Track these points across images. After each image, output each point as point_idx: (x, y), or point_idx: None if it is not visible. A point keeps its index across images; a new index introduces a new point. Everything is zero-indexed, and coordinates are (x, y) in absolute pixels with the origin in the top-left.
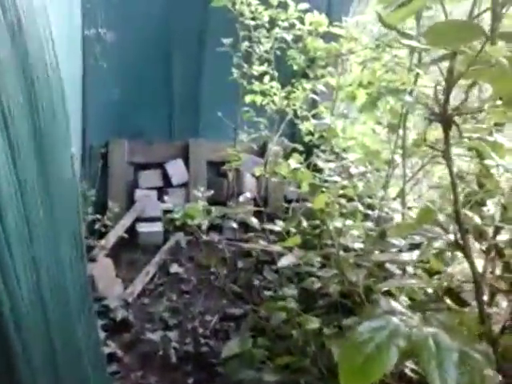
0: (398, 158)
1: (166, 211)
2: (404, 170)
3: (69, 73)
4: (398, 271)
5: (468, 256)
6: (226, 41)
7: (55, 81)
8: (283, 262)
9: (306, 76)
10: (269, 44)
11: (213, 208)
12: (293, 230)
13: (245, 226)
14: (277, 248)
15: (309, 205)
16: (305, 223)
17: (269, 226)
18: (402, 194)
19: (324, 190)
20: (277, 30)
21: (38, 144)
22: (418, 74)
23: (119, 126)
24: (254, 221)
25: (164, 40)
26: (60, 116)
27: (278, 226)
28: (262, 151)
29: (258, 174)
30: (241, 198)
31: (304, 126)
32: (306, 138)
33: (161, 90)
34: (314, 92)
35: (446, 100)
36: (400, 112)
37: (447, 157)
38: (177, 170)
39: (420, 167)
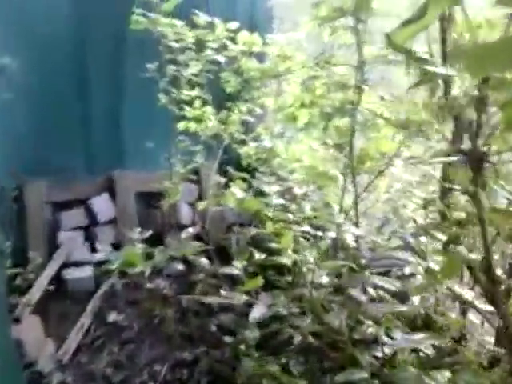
0: (341, 176)
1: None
2: (356, 188)
3: None
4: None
5: (499, 309)
6: (151, 66)
7: None
8: (255, 314)
9: (240, 98)
10: (197, 67)
11: (155, 250)
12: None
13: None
14: (239, 297)
15: (254, 231)
16: (257, 255)
17: (226, 270)
18: (355, 213)
19: (272, 217)
20: (208, 51)
21: None
22: (361, 91)
23: (33, 164)
24: (204, 261)
25: (77, 66)
26: None
27: (235, 268)
28: (196, 179)
29: (201, 207)
30: (183, 234)
31: (243, 150)
32: (245, 162)
33: (78, 120)
34: (250, 114)
35: (477, 135)
36: (346, 130)
37: (477, 199)
38: (102, 205)
39: (369, 182)
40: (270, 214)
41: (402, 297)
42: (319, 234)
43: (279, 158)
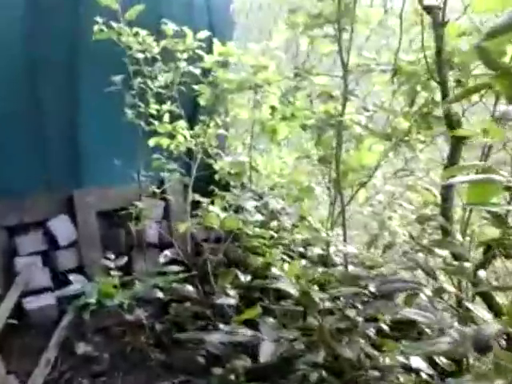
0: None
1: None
2: (342, 202)
3: None
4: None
5: None
6: (117, 78)
7: None
8: (265, 354)
9: (215, 111)
10: (167, 79)
11: (133, 278)
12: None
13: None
14: (244, 332)
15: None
16: (242, 277)
17: (222, 301)
18: (343, 229)
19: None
20: (182, 63)
21: None
22: (345, 102)
23: None
24: (190, 289)
25: (29, 82)
26: None
27: (231, 298)
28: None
29: (182, 229)
30: (161, 258)
31: (219, 165)
32: (218, 176)
33: (31, 135)
34: (224, 128)
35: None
36: (330, 143)
37: None
38: (62, 227)
39: (352, 195)
40: (249, 232)
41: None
42: (301, 250)
43: (256, 172)
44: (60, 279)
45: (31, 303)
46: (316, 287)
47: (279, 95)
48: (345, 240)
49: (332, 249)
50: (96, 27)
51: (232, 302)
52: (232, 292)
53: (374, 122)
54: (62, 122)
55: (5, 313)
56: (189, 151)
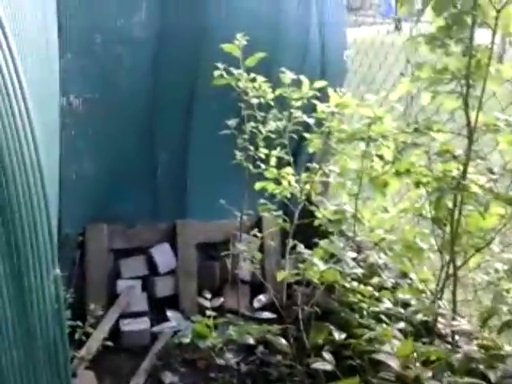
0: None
1: None
2: (455, 268)
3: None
4: None
5: None
6: (231, 122)
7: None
8: None
9: (324, 159)
10: (280, 124)
11: (228, 321)
12: None
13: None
14: None
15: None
16: (336, 334)
17: (318, 365)
18: (453, 298)
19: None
20: (294, 111)
21: (13, 262)
22: (467, 163)
23: (96, 209)
24: (283, 343)
25: (147, 113)
26: (42, 224)
27: (328, 365)
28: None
29: (280, 278)
30: (256, 304)
31: (321, 213)
32: (317, 222)
33: (142, 167)
34: (329, 176)
35: None
36: (448, 207)
37: None
38: (163, 255)
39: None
40: (346, 285)
41: None
42: (401, 311)
43: (359, 224)
44: (156, 306)
45: (127, 326)
46: (418, 364)
47: (393, 148)
48: (454, 311)
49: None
50: (216, 72)
51: (328, 368)
52: (328, 356)
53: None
54: (173, 157)
55: (102, 333)
56: (292, 197)
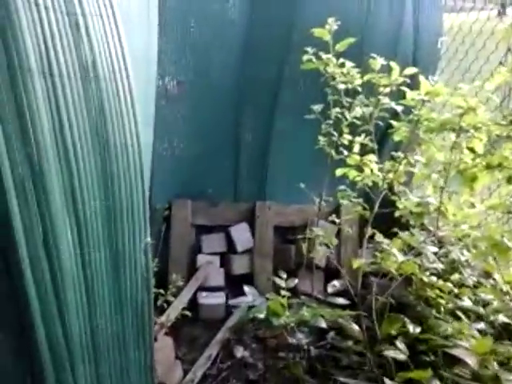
0: None
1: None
2: None
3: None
4: None
5: None
6: (317, 107)
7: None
8: None
9: (409, 149)
10: (362, 110)
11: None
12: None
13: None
14: None
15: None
16: (411, 327)
17: (390, 353)
18: None
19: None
20: (382, 97)
21: (111, 227)
22: None
23: (182, 186)
24: (356, 329)
25: (235, 96)
26: (138, 196)
27: (401, 355)
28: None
29: (356, 266)
30: (329, 289)
31: (403, 204)
32: (398, 214)
33: (227, 148)
34: (415, 166)
35: None
36: None
37: None
38: (242, 234)
39: None
40: (425, 279)
41: None
42: (481, 311)
43: (443, 218)
44: (232, 282)
45: (205, 299)
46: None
47: (485, 141)
48: None
49: None
50: (305, 57)
51: (401, 357)
52: (401, 345)
53: None
54: (257, 141)
55: (181, 303)
56: (373, 185)
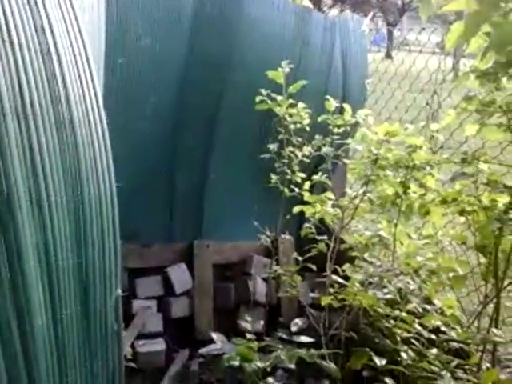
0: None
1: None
2: (498, 297)
3: None
4: None
5: None
6: (273, 147)
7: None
8: None
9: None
10: (313, 150)
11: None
12: None
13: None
14: None
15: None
16: (377, 360)
17: None
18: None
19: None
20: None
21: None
22: None
23: None
24: (333, 367)
25: (169, 134)
26: (110, 247)
27: None
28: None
29: (324, 303)
30: (292, 327)
31: (356, 238)
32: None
33: (161, 186)
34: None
35: None
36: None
37: None
38: (180, 275)
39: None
40: (379, 310)
41: None
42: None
43: (394, 250)
44: (170, 327)
45: (143, 347)
46: None
47: (437, 177)
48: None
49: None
50: (258, 98)
51: None
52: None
53: None
54: (192, 178)
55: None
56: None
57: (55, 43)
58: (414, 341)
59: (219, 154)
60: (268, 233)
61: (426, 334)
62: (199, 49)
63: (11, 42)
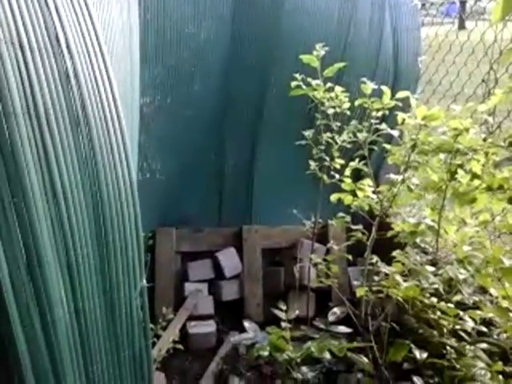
0: None
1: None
2: None
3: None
4: None
5: None
6: (308, 133)
7: (128, 194)
8: None
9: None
10: (352, 135)
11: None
12: None
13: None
14: None
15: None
16: (417, 352)
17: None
18: None
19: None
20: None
21: (105, 273)
22: None
23: (166, 213)
24: (365, 361)
25: (217, 118)
26: (132, 238)
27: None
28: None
29: (360, 294)
30: (330, 317)
31: (399, 226)
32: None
33: (210, 172)
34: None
35: None
36: None
37: None
38: (229, 260)
39: None
40: (425, 301)
41: None
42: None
43: (442, 239)
44: (221, 309)
45: (194, 328)
46: None
47: (482, 163)
48: None
49: None
50: (294, 83)
51: None
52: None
53: None
54: (240, 163)
55: (171, 335)
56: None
57: (67, 42)
58: (462, 333)
59: (267, 139)
60: (313, 218)
61: (470, 325)
62: (243, 33)
63: (21, 45)
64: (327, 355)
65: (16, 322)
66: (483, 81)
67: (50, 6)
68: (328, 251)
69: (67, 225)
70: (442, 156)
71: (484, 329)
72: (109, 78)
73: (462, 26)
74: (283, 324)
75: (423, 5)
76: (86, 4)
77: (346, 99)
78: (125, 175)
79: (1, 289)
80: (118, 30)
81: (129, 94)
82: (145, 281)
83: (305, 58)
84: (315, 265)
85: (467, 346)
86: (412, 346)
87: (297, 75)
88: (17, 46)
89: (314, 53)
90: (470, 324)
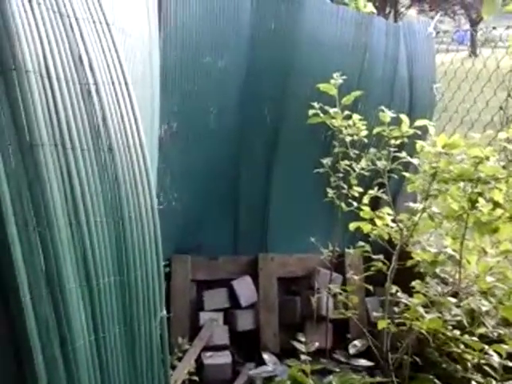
0: None
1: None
2: None
3: None
4: None
5: None
6: (326, 161)
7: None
8: None
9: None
10: (370, 163)
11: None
12: None
13: None
14: None
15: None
16: None
17: None
18: None
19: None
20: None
21: (125, 301)
22: None
23: (181, 241)
24: None
25: (232, 146)
26: (153, 267)
27: None
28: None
29: (381, 326)
30: (351, 349)
31: (419, 255)
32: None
33: (226, 201)
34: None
35: None
36: None
37: None
38: (245, 288)
39: None
40: (448, 333)
41: None
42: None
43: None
44: (236, 339)
45: (209, 359)
46: None
47: (504, 191)
48: None
49: None
50: (311, 111)
51: None
52: None
53: None
54: (255, 192)
55: (186, 366)
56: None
57: (93, 73)
58: (487, 368)
59: (283, 167)
60: (330, 247)
61: (497, 360)
62: (258, 62)
63: (49, 77)
64: None
65: (37, 348)
66: (501, 108)
67: (76, 34)
68: (345, 280)
69: (89, 251)
70: (461, 184)
71: (511, 364)
72: (132, 107)
73: (473, 53)
74: (302, 357)
75: (437, 32)
76: (111, 35)
77: (364, 127)
78: (147, 203)
79: (23, 316)
80: (139, 59)
81: (149, 122)
82: (164, 311)
83: (322, 86)
84: (334, 295)
85: (494, 383)
86: (436, 381)
87: (314, 104)
88: (45, 78)
89: (332, 81)
90: (495, 359)
